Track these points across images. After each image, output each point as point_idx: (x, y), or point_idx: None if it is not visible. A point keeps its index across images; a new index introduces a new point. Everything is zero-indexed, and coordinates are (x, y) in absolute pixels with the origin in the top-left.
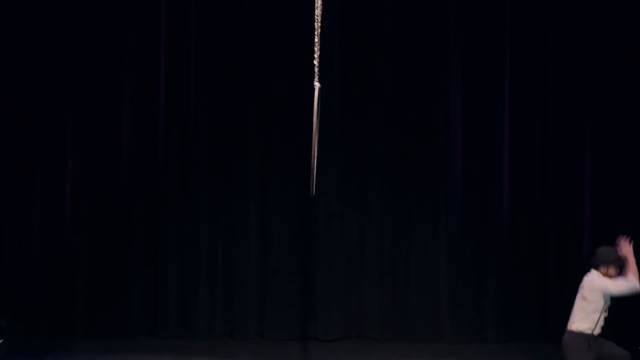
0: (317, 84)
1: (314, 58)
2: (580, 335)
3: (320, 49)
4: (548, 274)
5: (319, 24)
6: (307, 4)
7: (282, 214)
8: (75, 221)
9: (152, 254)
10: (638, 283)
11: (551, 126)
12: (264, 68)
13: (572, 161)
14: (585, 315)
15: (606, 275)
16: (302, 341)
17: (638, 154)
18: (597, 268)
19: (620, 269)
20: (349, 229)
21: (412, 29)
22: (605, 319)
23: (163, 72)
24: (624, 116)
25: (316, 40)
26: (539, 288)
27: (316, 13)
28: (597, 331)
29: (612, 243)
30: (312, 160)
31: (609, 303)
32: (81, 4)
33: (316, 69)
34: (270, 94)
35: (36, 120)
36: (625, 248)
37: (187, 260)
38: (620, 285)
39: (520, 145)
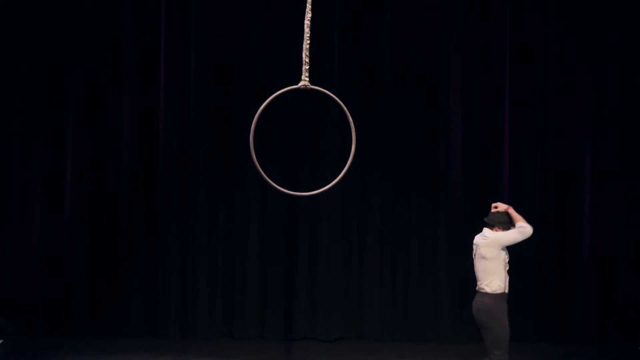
0: (305, 81)
1: (303, 63)
2: (495, 297)
3: (320, 50)
4: (548, 274)
5: (308, 29)
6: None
7: (282, 214)
8: (75, 221)
9: (152, 254)
10: (530, 227)
11: (551, 126)
12: (264, 67)
13: (572, 161)
14: (492, 275)
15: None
16: (302, 341)
17: (638, 153)
18: (501, 229)
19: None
20: (348, 229)
21: (412, 28)
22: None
23: (163, 72)
24: (624, 116)
25: (305, 46)
26: (539, 288)
27: (305, 22)
28: (507, 289)
29: (613, 243)
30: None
31: (508, 258)
32: (82, 5)
33: (305, 68)
34: (271, 93)
35: (36, 120)
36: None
37: (187, 261)
38: (513, 235)
39: (521, 146)
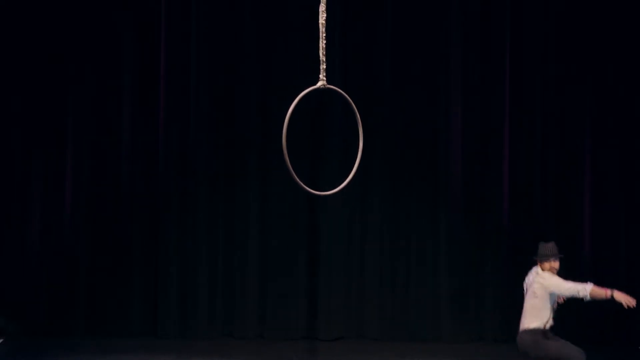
0: (322, 82)
1: (320, 62)
2: (533, 332)
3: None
4: None
5: (324, 29)
6: (308, 3)
7: (283, 213)
8: (75, 221)
9: (152, 253)
10: (588, 293)
11: (551, 126)
12: (264, 67)
13: (572, 161)
14: (537, 313)
15: (552, 268)
16: (302, 341)
17: (638, 153)
18: (542, 263)
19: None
20: (349, 229)
21: (412, 28)
22: (555, 315)
23: (163, 72)
24: (624, 116)
25: (322, 45)
26: None
27: (321, 21)
28: (549, 326)
29: (613, 242)
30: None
31: (557, 300)
32: (82, 5)
33: (323, 67)
34: (271, 94)
35: (36, 121)
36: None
37: (187, 260)
38: (569, 288)
39: (520, 145)
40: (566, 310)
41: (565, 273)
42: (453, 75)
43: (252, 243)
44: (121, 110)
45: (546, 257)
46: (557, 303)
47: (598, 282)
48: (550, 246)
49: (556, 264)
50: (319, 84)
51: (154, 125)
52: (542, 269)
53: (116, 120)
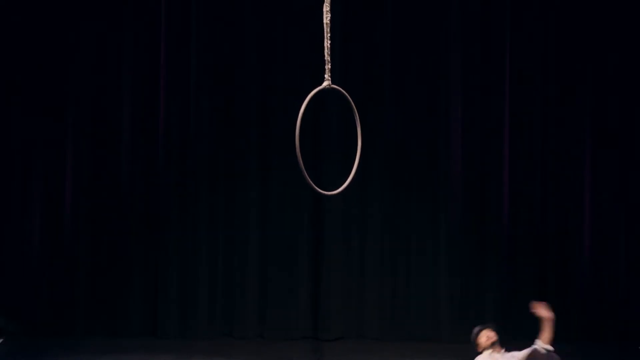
0: (327, 82)
1: (325, 62)
2: None
3: (320, 51)
4: (548, 274)
5: (329, 29)
6: (309, 3)
7: (283, 213)
8: (75, 221)
9: (152, 253)
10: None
11: (551, 127)
12: (265, 67)
13: (572, 161)
14: None
15: (488, 339)
16: (302, 341)
17: (638, 153)
18: (481, 346)
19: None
20: (348, 229)
21: (412, 28)
22: None
23: (163, 72)
24: (624, 116)
25: (327, 45)
26: (538, 288)
27: (325, 22)
28: None
29: (613, 242)
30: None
31: None
32: (82, 5)
33: (328, 67)
34: (271, 94)
35: (36, 120)
36: (542, 312)
37: (187, 260)
38: None
39: (520, 145)
40: (565, 309)
41: (565, 273)
42: (453, 76)
43: (252, 243)
44: (121, 110)
45: (477, 337)
46: None
47: (598, 282)
48: (474, 331)
49: (489, 334)
50: (325, 84)
51: (154, 125)
52: (493, 350)
53: (116, 120)
